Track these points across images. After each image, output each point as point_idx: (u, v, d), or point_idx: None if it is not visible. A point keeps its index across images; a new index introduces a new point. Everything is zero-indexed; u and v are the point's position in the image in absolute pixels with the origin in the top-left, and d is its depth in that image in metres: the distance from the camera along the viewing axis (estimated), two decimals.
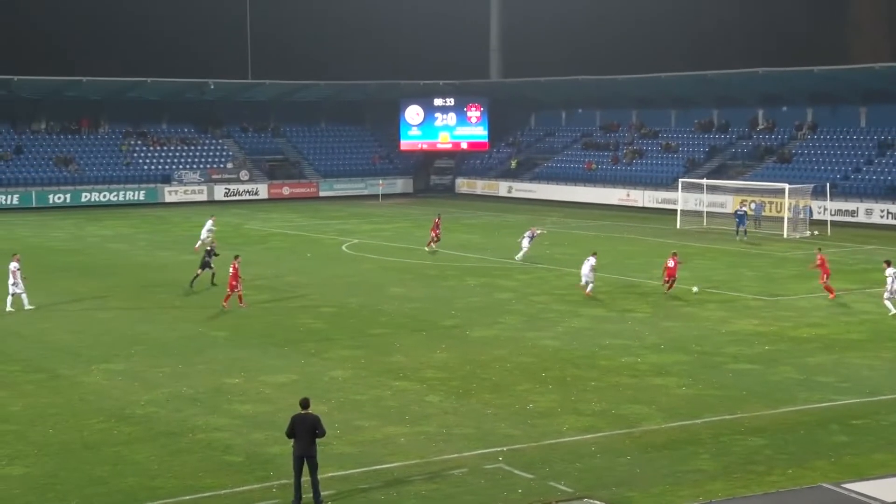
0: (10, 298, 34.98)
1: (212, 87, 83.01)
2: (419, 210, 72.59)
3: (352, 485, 18.90)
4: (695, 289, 38.21)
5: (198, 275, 39.28)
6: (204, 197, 79.54)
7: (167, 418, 22.97)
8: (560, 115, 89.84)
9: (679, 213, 61.60)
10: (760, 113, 76.81)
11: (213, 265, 39.57)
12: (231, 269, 35.55)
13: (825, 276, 37.32)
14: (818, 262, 37.81)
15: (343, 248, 51.48)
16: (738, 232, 53.87)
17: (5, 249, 51.08)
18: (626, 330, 31.78)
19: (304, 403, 18.31)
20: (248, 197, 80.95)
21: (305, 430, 17.98)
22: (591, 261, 38.14)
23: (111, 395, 24.89)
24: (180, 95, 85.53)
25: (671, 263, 37.95)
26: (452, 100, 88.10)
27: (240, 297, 35.57)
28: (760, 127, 76.08)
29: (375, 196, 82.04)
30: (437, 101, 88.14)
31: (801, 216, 57.80)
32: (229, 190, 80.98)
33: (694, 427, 22.16)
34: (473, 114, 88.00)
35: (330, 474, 19.28)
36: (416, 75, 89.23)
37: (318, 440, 18.10)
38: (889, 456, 20.19)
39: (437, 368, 27.11)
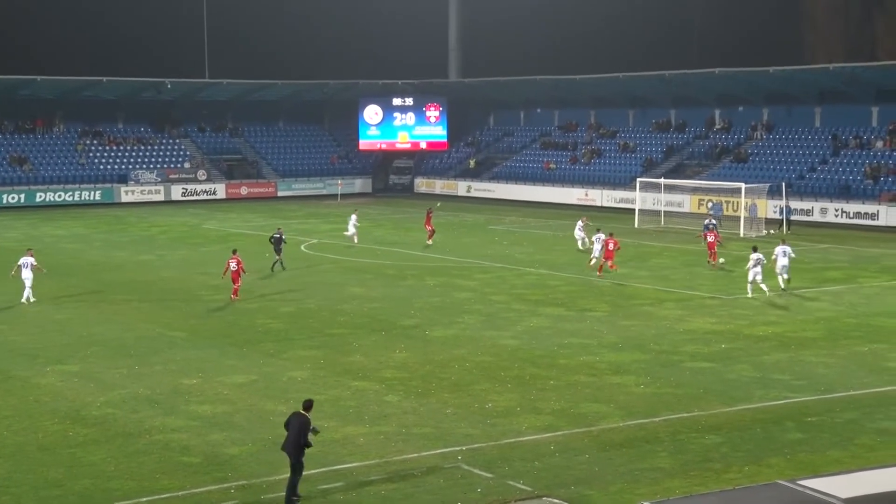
0: (27, 291, 36.64)
1: (168, 86, 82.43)
2: (378, 210, 72.52)
3: (311, 485, 18.83)
4: (721, 260, 44.25)
5: (279, 259, 43.23)
6: (161, 197, 79.00)
7: (124, 419, 22.79)
8: (519, 115, 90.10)
9: (637, 212, 61.99)
10: (717, 113, 77.45)
11: (281, 252, 43.57)
12: (234, 264, 36.65)
13: (607, 258, 41.46)
14: (605, 243, 41.98)
15: (302, 248, 51.31)
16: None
17: None
18: (585, 329, 31.92)
19: (306, 405, 18.46)
20: (205, 197, 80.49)
21: (294, 430, 18.08)
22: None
23: (66, 396, 24.65)
24: (137, 95, 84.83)
25: (610, 246, 41.47)
26: (411, 99, 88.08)
27: (235, 290, 36.75)
28: (717, 127, 76.73)
29: (334, 196, 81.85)
30: (396, 101, 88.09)
31: (758, 214, 58.35)
32: (186, 190, 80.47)
33: (652, 425, 22.30)
34: (432, 113, 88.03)
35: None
36: (374, 75, 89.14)
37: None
38: (843, 453, 20.44)
39: (397, 368, 27.09)
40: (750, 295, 36.91)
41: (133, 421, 22.66)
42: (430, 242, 51.64)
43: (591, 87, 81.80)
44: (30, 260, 37.14)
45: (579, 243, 49.86)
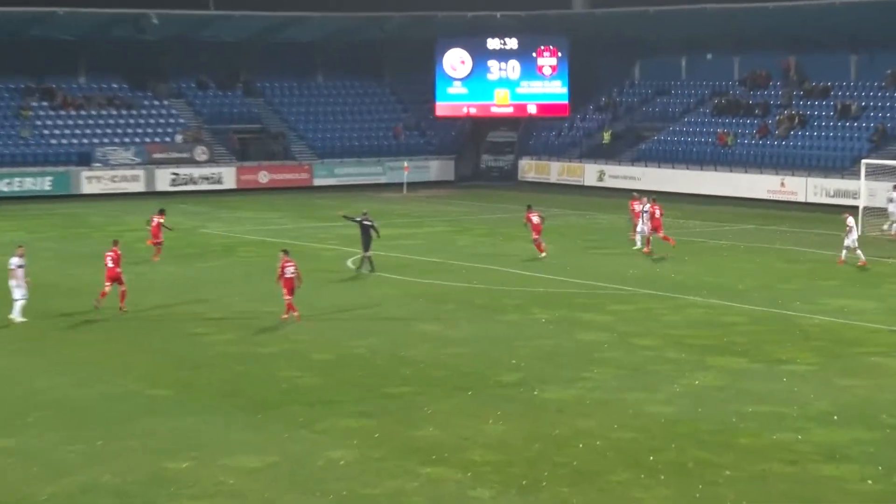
0: (15, 304, 39.49)
1: (154, 21, 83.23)
2: (463, 207, 72.57)
3: None
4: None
5: (367, 255, 49.09)
6: (141, 186, 79.99)
7: None
8: (678, 64, 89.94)
9: (861, 211, 61.04)
10: None
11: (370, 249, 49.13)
12: (292, 269, 40.07)
13: (655, 228, 53.25)
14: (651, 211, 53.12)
15: (348, 263, 51.55)
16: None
17: None
18: (780, 391, 31.58)
19: None
20: (206, 186, 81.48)
21: None
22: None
23: None
24: (106, 34, 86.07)
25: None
26: (515, 40, 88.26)
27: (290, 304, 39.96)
28: None
29: (398, 185, 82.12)
30: (492, 43, 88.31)
31: None
32: (178, 176, 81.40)
33: None
34: (547, 62, 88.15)
35: None
36: (459, 4, 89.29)
37: None
38: None
39: (490, 447, 27.00)
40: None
41: None
42: (543, 255, 52.07)
43: (789, 20, 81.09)
44: (16, 261, 39.53)
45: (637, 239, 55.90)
